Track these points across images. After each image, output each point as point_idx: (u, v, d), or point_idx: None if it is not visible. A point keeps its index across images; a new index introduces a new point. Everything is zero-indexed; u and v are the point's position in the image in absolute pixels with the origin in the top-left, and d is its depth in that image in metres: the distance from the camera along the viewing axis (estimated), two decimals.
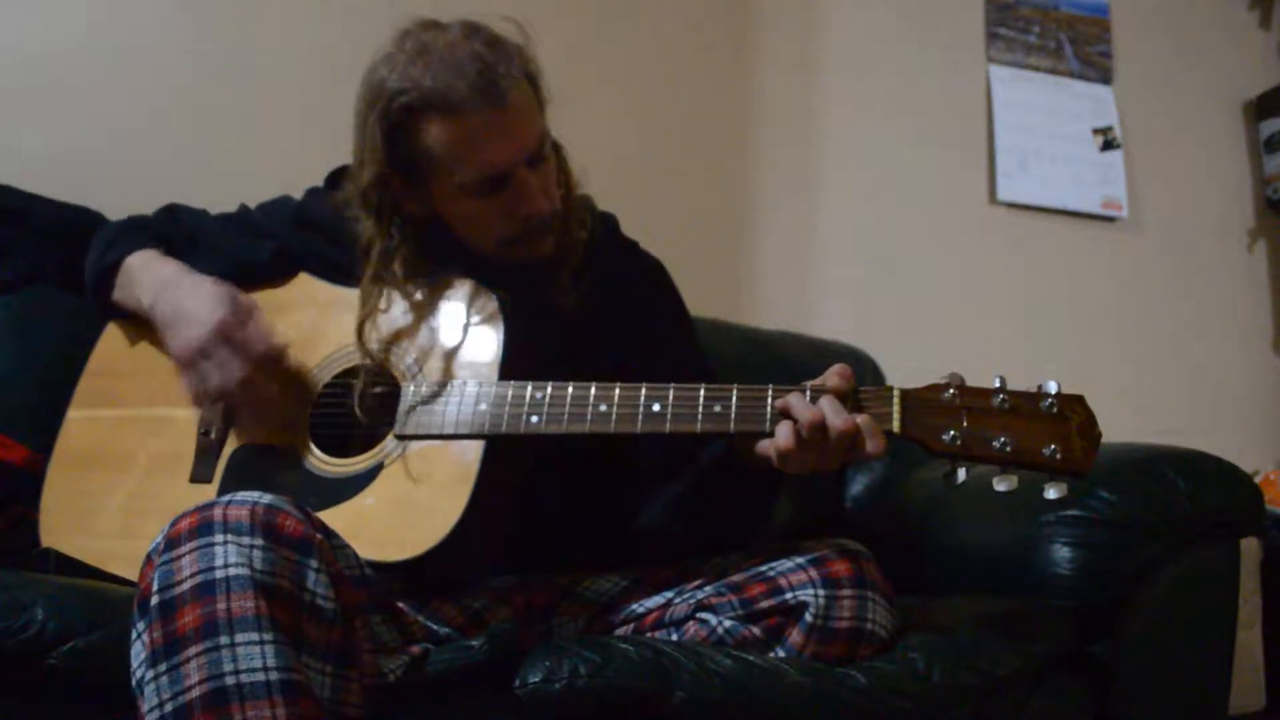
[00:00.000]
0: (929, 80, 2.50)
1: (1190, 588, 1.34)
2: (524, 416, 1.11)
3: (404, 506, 1.12)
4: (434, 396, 1.16)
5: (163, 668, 0.85)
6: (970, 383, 1.04)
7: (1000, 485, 1.01)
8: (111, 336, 1.38)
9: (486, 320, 1.20)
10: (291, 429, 1.22)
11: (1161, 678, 1.32)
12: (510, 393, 1.13)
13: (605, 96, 2.16)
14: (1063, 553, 1.31)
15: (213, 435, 1.23)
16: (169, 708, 0.84)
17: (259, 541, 0.89)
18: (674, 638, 1.13)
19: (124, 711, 0.89)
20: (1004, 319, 2.46)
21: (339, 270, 1.28)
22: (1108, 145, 2.59)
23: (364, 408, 1.18)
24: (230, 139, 1.93)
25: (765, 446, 1.08)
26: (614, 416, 1.09)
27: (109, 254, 1.34)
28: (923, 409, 1.03)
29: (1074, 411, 1.01)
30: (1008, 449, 1.00)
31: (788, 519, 1.72)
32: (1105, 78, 2.64)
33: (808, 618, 1.06)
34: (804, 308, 2.30)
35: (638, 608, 1.17)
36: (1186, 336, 2.62)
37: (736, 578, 1.12)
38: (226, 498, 0.93)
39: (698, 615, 1.13)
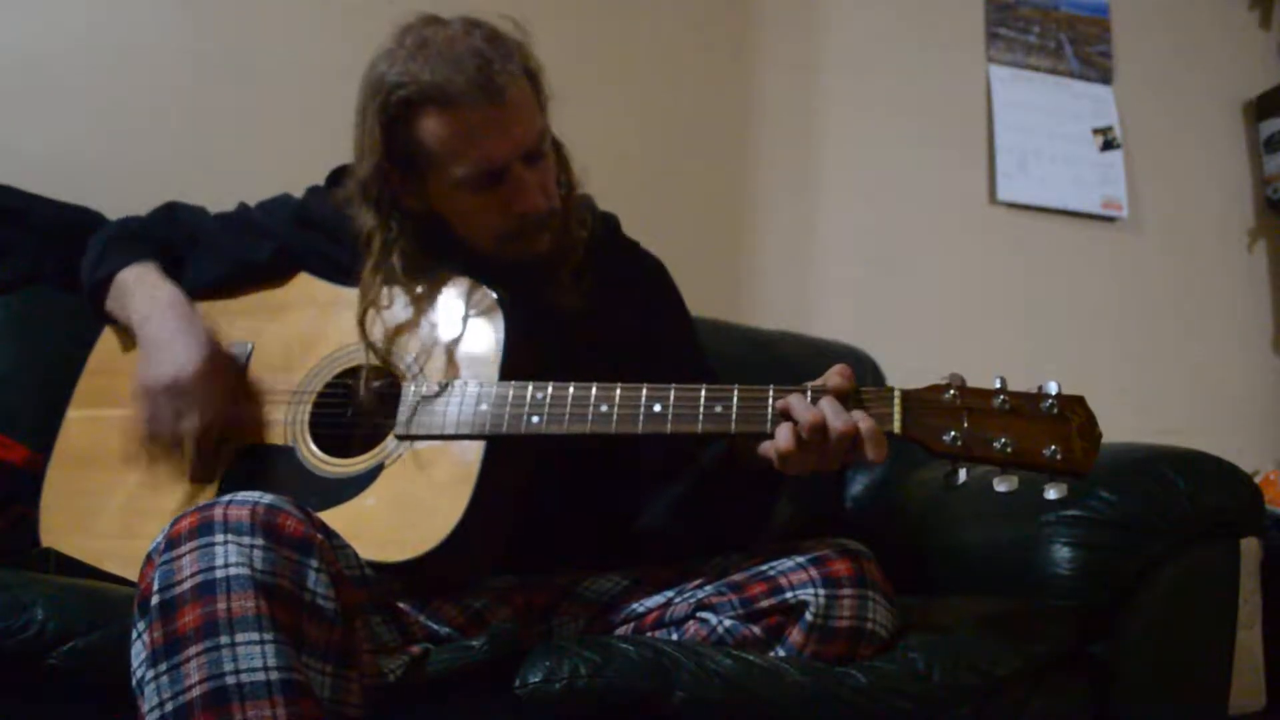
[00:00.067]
0: (929, 80, 2.50)
1: (1190, 588, 1.34)
2: (525, 417, 1.11)
3: (405, 507, 1.12)
4: (435, 396, 1.15)
5: (163, 667, 0.85)
6: (971, 383, 1.04)
7: (1000, 486, 1.01)
8: (111, 336, 1.38)
9: (487, 319, 1.20)
10: (291, 429, 1.22)
11: (1161, 678, 1.32)
12: (511, 393, 1.12)
13: (605, 96, 2.16)
14: (1063, 553, 1.31)
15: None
16: (169, 707, 0.84)
17: (259, 541, 0.89)
18: (674, 637, 1.13)
19: (124, 711, 0.89)
20: (1004, 319, 2.46)
21: (340, 269, 1.28)
22: (1108, 145, 2.59)
23: (364, 408, 1.18)
24: (230, 139, 1.94)
25: (766, 448, 1.07)
26: (615, 417, 1.09)
27: (101, 268, 1.34)
28: (923, 410, 1.03)
29: (1074, 412, 1.01)
30: (1008, 450, 1.00)
31: (788, 519, 1.71)
32: (1105, 78, 2.64)
33: (808, 617, 1.06)
34: (804, 308, 2.29)
35: (638, 607, 1.17)
36: (1186, 336, 2.62)
37: (737, 577, 1.12)
38: (227, 498, 0.93)
39: (698, 615, 1.13)
